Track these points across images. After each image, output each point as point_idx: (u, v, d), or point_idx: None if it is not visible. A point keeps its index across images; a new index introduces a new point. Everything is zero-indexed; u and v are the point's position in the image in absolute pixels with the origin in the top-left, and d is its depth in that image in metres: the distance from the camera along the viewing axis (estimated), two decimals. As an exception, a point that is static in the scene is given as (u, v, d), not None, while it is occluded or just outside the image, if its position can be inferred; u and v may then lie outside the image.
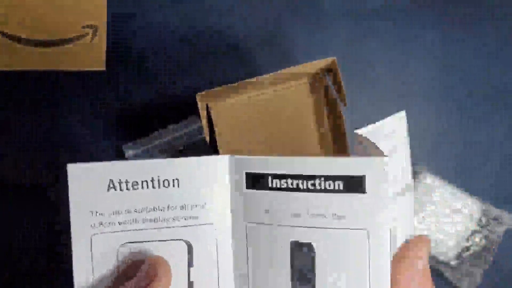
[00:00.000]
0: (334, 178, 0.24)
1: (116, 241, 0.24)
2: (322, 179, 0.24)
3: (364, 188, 0.23)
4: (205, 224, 0.24)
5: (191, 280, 0.24)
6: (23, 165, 0.41)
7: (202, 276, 0.25)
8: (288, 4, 0.45)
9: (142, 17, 0.44)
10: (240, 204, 0.25)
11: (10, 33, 0.39)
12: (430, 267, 0.24)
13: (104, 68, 0.42)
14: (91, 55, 0.41)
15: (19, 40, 0.40)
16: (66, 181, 0.23)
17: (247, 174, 0.24)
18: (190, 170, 0.24)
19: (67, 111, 0.42)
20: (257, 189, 0.24)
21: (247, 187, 0.24)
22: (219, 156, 0.25)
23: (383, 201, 0.23)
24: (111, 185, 0.24)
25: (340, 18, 0.46)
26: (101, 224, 0.24)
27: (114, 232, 0.24)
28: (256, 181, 0.24)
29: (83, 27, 0.40)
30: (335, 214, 0.24)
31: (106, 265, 0.24)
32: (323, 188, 0.24)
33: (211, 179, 0.24)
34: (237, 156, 0.25)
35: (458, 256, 0.44)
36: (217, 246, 0.25)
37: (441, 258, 0.44)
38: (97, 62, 0.42)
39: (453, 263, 0.44)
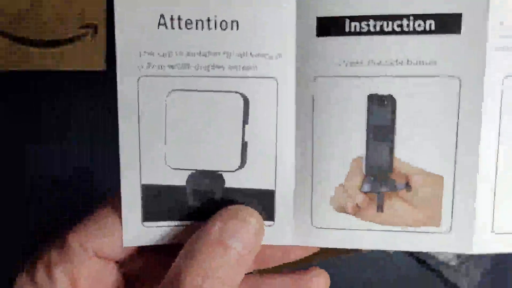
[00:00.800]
0: (425, 17, 0.20)
1: (165, 86, 0.21)
2: (411, 18, 0.20)
3: (460, 28, 0.19)
4: (266, 78, 0.21)
5: (245, 140, 0.21)
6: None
7: (258, 136, 0.21)
8: None
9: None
10: (310, 54, 0.21)
11: (10, 34, 0.39)
12: (431, 267, 0.21)
13: (104, 68, 0.40)
14: (91, 55, 0.40)
15: (19, 40, 0.39)
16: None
17: (319, 19, 0.21)
18: (252, 12, 0.21)
19: (67, 111, 0.40)
20: (331, 36, 0.21)
21: (319, 35, 0.21)
22: (286, -1, 0.21)
23: (482, 45, 0.19)
24: (162, 22, 0.20)
25: None
26: (150, 65, 0.21)
27: (163, 76, 0.21)
28: (330, 26, 0.20)
29: (83, 27, 0.39)
30: (422, 60, 0.20)
31: (154, 113, 0.21)
32: (411, 29, 0.20)
33: (276, 25, 0.21)
34: (305, -1, 0.21)
35: (458, 256, 0.42)
36: (277, 104, 0.21)
37: (441, 258, 0.41)
38: (97, 62, 0.40)
39: (453, 263, 0.43)
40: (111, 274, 0.22)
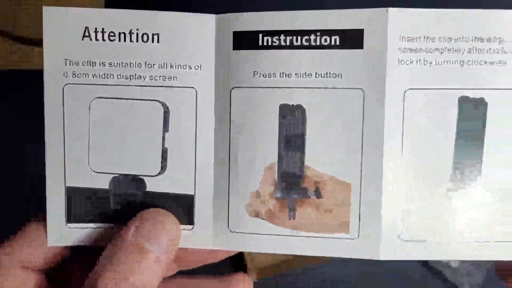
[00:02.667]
0: (330, 32, 0.21)
1: (89, 94, 0.22)
2: (318, 33, 0.21)
3: (362, 43, 0.20)
4: (185, 87, 0.22)
5: (165, 146, 0.22)
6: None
7: (178, 143, 0.22)
8: None
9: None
10: (226, 66, 0.22)
11: (10, 33, 0.40)
12: (431, 267, 0.21)
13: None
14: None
15: (19, 40, 0.40)
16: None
17: (235, 33, 0.22)
18: (173, 25, 0.22)
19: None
20: (245, 49, 0.22)
21: (235, 48, 0.22)
22: (206, 14, 0.22)
23: (382, 59, 0.20)
24: (87, 33, 0.22)
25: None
26: (75, 74, 0.22)
27: (87, 84, 0.22)
28: (244, 40, 0.22)
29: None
30: (329, 73, 0.21)
31: (78, 119, 0.22)
32: (318, 44, 0.21)
33: (195, 38, 0.22)
34: (223, 14, 0.22)
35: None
36: (197, 113, 0.22)
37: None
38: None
39: (453, 264, 0.43)
40: (38, 284, 0.23)
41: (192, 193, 0.23)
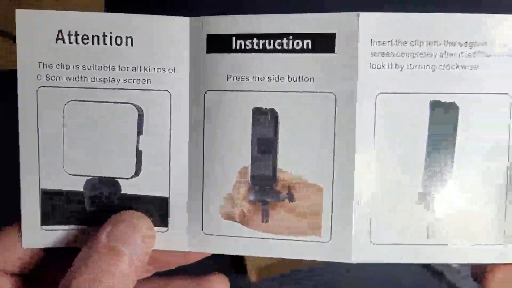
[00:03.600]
0: (302, 36, 0.21)
1: (63, 96, 0.22)
2: (290, 37, 0.21)
3: (334, 47, 0.20)
4: (159, 90, 0.22)
5: (139, 149, 0.22)
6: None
7: (153, 146, 0.22)
8: None
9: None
10: (200, 70, 0.22)
11: (10, 33, 0.40)
12: (433, 268, 0.21)
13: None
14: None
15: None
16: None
17: (209, 37, 0.22)
18: (146, 28, 0.22)
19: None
20: (219, 53, 0.22)
21: (209, 51, 0.22)
22: (179, 17, 0.22)
23: (354, 63, 0.20)
24: (60, 36, 0.22)
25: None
26: (48, 76, 0.22)
27: (61, 87, 0.22)
28: (218, 43, 0.22)
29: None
30: (301, 77, 0.21)
31: (52, 122, 0.22)
32: (290, 48, 0.21)
33: (169, 41, 0.22)
34: (197, 17, 0.22)
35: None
36: (171, 115, 0.22)
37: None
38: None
39: (454, 265, 0.43)
40: (14, 287, 0.23)
41: (167, 196, 0.23)
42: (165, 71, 0.22)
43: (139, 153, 0.22)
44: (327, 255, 0.22)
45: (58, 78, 0.22)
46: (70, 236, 0.23)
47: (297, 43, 0.21)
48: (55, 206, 0.23)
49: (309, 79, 0.21)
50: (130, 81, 0.22)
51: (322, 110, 0.21)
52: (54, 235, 0.23)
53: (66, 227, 0.23)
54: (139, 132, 0.22)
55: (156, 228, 0.23)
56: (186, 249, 0.23)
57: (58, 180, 0.22)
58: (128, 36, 0.22)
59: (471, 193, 0.21)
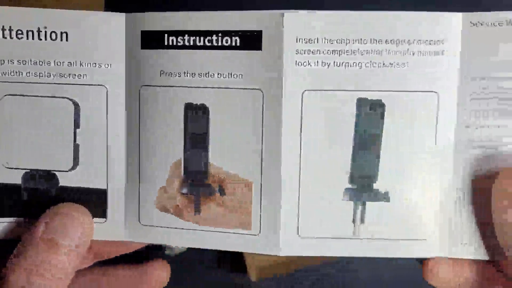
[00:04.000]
0: (231, 33, 0.21)
1: None
2: (220, 34, 0.21)
3: (261, 45, 0.21)
4: (95, 85, 0.23)
5: (77, 142, 0.23)
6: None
7: (90, 139, 0.23)
8: None
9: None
10: (135, 65, 0.22)
11: None
12: None
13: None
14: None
15: None
16: None
17: (143, 33, 0.22)
18: (82, 24, 0.22)
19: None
20: (152, 49, 0.22)
21: (143, 47, 0.22)
22: (115, 13, 0.23)
23: (280, 60, 0.20)
24: (-5, 31, 0.22)
25: None
26: (-18, 72, 0.22)
27: None
28: (151, 39, 0.22)
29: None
30: (231, 73, 0.21)
31: None
32: (220, 45, 0.21)
33: (105, 36, 0.22)
34: (132, 14, 0.22)
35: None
36: (107, 110, 0.23)
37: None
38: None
39: None
40: None
41: (105, 188, 0.23)
42: (101, 66, 0.22)
43: (76, 147, 0.23)
44: (256, 248, 0.22)
45: None
46: (8, 228, 0.23)
47: (226, 40, 0.21)
48: (-5, 197, 0.23)
49: (238, 76, 0.21)
50: (66, 76, 0.22)
51: (251, 106, 0.21)
52: None
53: (4, 219, 0.23)
54: (76, 126, 0.23)
55: (94, 219, 0.23)
56: (124, 239, 0.23)
57: None
58: (63, 31, 0.22)
59: (396, 188, 0.22)
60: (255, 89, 0.21)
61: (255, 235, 0.22)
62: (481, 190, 0.21)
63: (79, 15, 0.22)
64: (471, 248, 0.22)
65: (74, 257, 0.22)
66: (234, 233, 0.22)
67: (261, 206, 0.22)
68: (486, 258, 0.22)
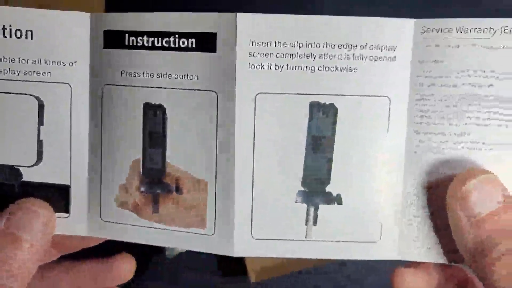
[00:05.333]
0: (187, 35, 0.21)
1: None
2: (177, 36, 0.21)
3: (215, 47, 0.21)
4: (60, 83, 0.23)
5: (40, 138, 0.23)
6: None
7: (54, 136, 0.23)
8: None
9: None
10: (98, 64, 0.23)
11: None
12: None
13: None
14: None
15: None
16: None
17: (106, 32, 0.23)
18: (47, 23, 0.23)
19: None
20: (114, 48, 0.23)
21: (105, 46, 0.23)
22: (79, 12, 0.23)
23: (233, 63, 0.21)
24: (-38, 29, 0.23)
25: None
26: (-51, 68, 0.23)
27: None
28: (113, 39, 0.22)
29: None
30: (186, 74, 0.22)
31: None
32: (177, 46, 0.22)
33: (69, 35, 0.23)
34: (96, 13, 0.23)
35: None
36: (71, 107, 0.23)
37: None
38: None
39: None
40: None
41: (68, 183, 0.24)
42: (65, 64, 0.23)
43: (40, 143, 0.23)
44: (211, 248, 0.23)
45: None
46: None
47: (183, 42, 0.22)
48: (-39, 190, 0.24)
49: (194, 77, 0.22)
50: (30, 73, 0.23)
51: (206, 108, 0.22)
52: None
53: (-27, 210, 0.24)
54: (40, 122, 0.23)
55: (57, 214, 0.24)
56: (86, 234, 0.24)
57: None
58: (28, 29, 0.23)
59: (349, 191, 0.22)
60: (209, 90, 0.22)
61: (209, 235, 0.23)
62: (432, 194, 0.21)
63: (45, 13, 0.23)
64: (423, 250, 0.22)
65: (36, 251, 0.22)
66: (189, 232, 0.23)
67: (216, 207, 0.22)
68: (442, 261, 0.22)
